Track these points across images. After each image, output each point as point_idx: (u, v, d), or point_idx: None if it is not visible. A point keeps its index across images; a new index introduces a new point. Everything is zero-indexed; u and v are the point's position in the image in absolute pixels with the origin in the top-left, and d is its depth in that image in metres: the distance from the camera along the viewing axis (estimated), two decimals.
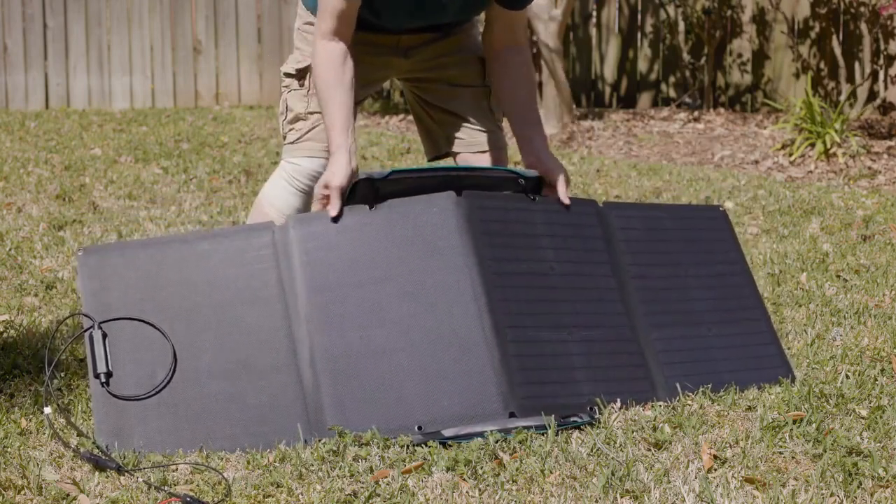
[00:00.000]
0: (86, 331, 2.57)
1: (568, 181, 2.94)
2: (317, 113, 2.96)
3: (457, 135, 3.12)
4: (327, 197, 2.72)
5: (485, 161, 3.09)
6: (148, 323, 2.58)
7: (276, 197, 3.01)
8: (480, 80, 3.12)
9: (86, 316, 2.58)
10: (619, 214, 2.95)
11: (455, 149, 3.14)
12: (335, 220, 2.68)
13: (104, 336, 2.55)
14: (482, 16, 3.11)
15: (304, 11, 3.06)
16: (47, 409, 2.53)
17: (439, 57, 3.08)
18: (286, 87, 3.06)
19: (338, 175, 2.71)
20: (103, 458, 2.36)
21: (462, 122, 3.10)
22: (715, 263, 3.01)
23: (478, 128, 3.10)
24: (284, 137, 3.05)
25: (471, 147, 3.11)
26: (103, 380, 2.51)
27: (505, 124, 3.17)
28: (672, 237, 3.00)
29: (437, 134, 3.18)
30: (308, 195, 3.11)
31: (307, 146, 2.99)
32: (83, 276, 2.64)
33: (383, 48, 3.04)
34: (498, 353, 2.56)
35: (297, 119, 3.00)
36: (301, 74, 3.02)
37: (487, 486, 2.27)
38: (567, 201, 2.90)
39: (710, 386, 2.74)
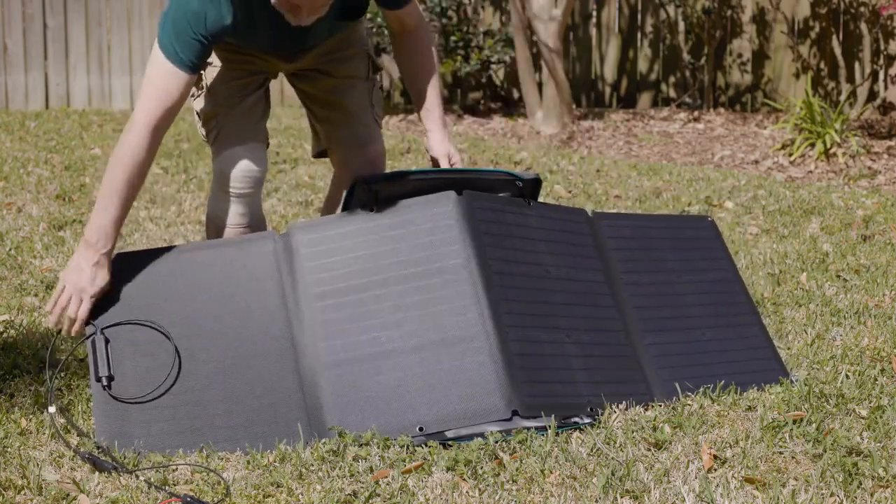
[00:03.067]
0: (88, 337, 2.57)
1: (455, 162, 2.95)
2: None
3: (334, 131, 3.09)
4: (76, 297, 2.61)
5: (362, 156, 3.06)
6: (149, 325, 2.58)
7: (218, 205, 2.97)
8: (364, 74, 3.09)
9: (87, 320, 2.59)
10: (609, 224, 2.98)
11: (333, 144, 3.10)
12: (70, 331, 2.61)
13: (106, 341, 2.56)
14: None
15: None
16: (52, 409, 2.52)
17: (324, 55, 3.04)
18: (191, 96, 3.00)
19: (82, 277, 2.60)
20: (103, 458, 2.36)
21: (341, 115, 3.07)
22: (706, 271, 3.04)
23: (356, 123, 3.07)
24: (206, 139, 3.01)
25: (347, 142, 3.07)
26: (105, 383, 2.50)
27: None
28: (662, 246, 3.03)
29: (316, 129, 3.16)
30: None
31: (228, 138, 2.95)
32: None
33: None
34: (500, 353, 2.56)
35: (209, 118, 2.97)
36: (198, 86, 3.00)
37: (487, 486, 2.27)
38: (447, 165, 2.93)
39: (709, 387, 2.75)
